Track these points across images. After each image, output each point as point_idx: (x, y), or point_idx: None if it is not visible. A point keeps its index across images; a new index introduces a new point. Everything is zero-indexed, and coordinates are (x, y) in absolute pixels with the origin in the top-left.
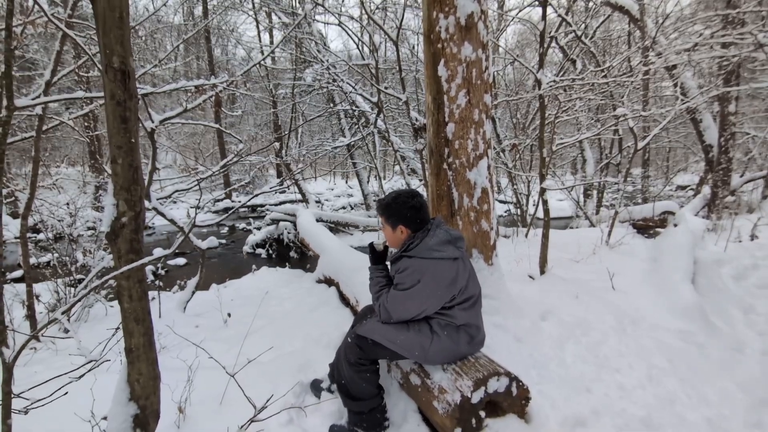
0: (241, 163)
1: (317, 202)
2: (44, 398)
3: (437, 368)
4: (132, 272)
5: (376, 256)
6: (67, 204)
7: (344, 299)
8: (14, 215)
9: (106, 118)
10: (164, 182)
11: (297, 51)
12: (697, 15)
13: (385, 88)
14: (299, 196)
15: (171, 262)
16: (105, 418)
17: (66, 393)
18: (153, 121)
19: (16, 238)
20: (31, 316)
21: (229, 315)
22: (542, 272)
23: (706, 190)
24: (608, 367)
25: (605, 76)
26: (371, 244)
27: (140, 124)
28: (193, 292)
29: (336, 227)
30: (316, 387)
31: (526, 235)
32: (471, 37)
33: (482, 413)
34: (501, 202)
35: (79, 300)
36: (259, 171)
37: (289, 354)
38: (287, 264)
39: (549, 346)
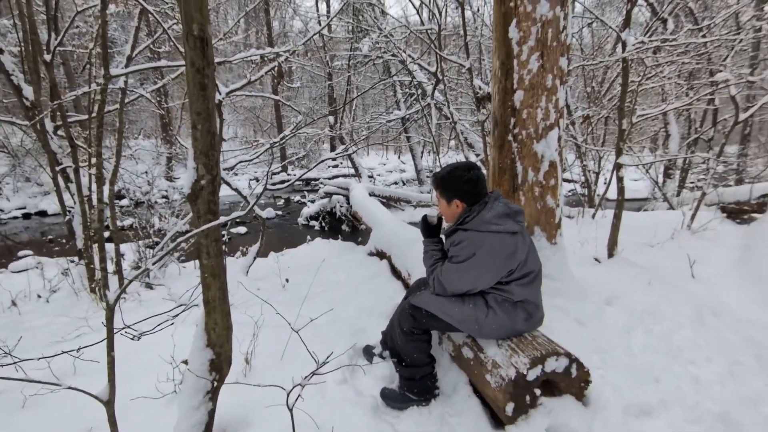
0: (297, 137)
1: (369, 176)
2: (147, 331)
3: (491, 343)
4: (210, 231)
5: (430, 229)
6: (146, 173)
7: (396, 272)
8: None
9: (187, 85)
10: (227, 154)
11: (354, 20)
12: None
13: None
14: (352, 171)
15: (233, 230)
16: (184, 362)
17: (172, 323)
18: (220, 93)
19: (102, 202)
20: (118, 270)
21: (287, 280)
22: (610, 255)
23: None
24: (681, 359)
25: (704, 36)
26: (424, 217)
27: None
28: (255, 258)
29: (388, 202)
30: (368, 352)
31: (593, 216)
32: None
33: (537, 391)
34: (566, 180)
35: (167, 253)
36: (315, 144)
37: (343, 320)
38: (339, 236)
39: (614, 332)
